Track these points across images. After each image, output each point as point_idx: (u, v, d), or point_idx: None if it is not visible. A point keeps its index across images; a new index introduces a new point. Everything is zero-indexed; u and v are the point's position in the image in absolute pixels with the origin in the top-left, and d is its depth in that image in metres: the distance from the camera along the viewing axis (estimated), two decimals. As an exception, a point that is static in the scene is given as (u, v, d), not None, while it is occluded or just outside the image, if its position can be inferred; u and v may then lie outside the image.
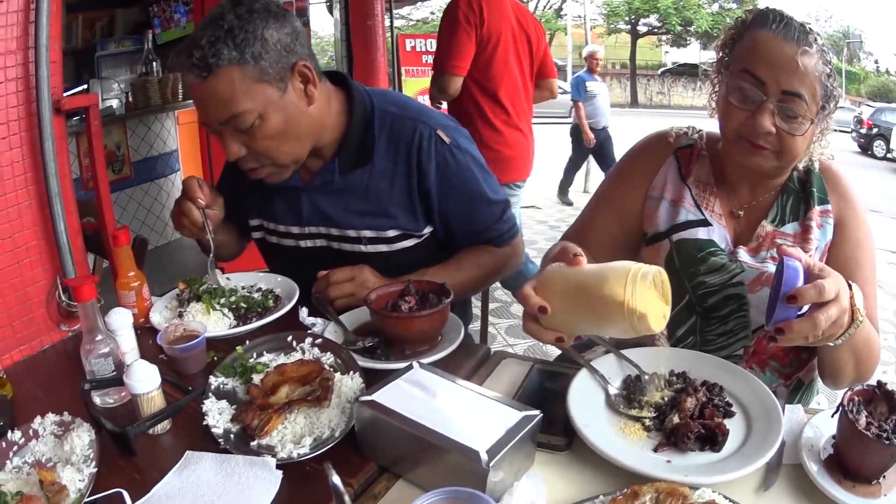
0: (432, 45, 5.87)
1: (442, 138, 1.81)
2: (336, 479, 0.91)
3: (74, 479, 1.14)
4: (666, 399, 1.26)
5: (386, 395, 1.16)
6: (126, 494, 1.12)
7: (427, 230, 1.88)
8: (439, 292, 1.55)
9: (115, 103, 6.29)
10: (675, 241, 1.59)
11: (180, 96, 6.00)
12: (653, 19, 38.97)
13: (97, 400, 1.39)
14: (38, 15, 1.72)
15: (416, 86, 5.56)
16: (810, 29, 1.40)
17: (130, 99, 6.07)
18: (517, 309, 4.79)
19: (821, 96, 1.40)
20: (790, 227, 1.54)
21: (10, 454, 1.24)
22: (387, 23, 6.18)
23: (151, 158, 6.01)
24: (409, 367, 1.27)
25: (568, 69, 27.31)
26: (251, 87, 1.57)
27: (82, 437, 1.24)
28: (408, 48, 5.68)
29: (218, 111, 1.58)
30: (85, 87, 6.47)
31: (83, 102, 2.03)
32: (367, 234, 1.85)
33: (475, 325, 2.85)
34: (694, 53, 43.84)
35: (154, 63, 6.06)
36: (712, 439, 1.15)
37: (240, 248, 2.12)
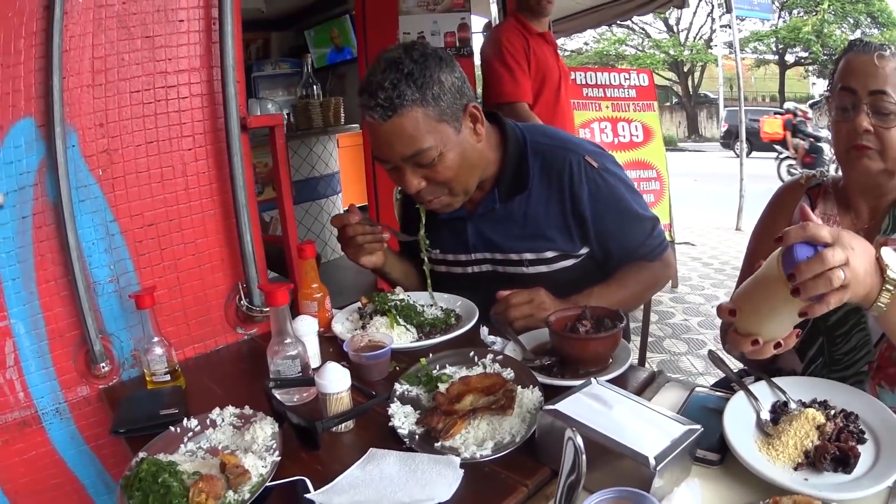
0: (592, 77, 5.95)
1: (591, 163, 1.91)
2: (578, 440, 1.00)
3: (257, 464, 1.24)
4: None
5: (567, 406, 1.23)
6: (308, 482, 1.21)
7: (583, 250, 1.96)
8: (613, 317, 1.60)
9: None
10: None
11: (342, 120, 6.17)
12: (799, 49, 37.58)
13: (280, 398, 1.48)
14: (222, 36, 1.86)
15: (578, 119, 5.61)
16: (887, 45, 1.54)
17: (292, 120, 6.24)
18: (669, 344, 4.86)
19: None
20: None
21: (185, 439, 1.36)
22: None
23: (313, 179, 6.17)
24: (588, 383, 1.33)
25: (720, 101, 26.49)
26: (433, 125, 1.71)
27: (265, 429, 1.34)
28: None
29: (403, 147, 1.72)
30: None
31: (269, 122, 2.19)
32: (528, 256, 1.94)
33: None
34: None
35: (315, 86, 6.19)
36: (845, 461, 1.20)
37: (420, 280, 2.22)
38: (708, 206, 8.90)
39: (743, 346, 1.25)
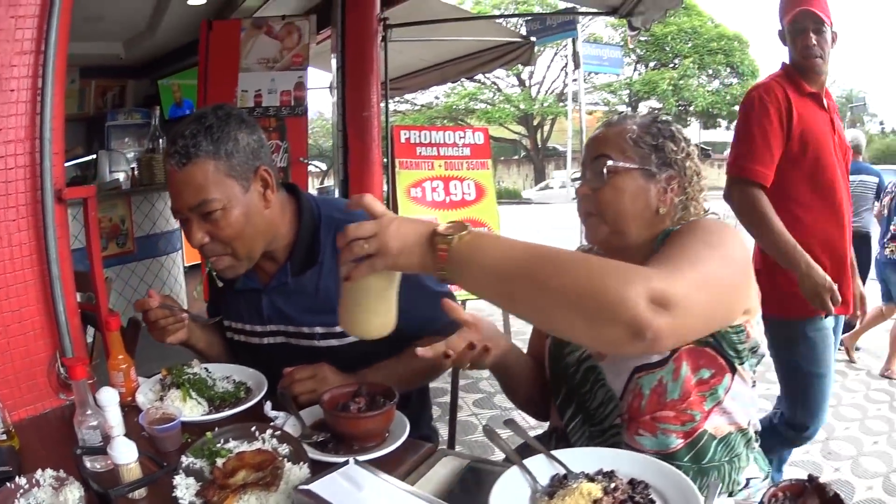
0: (426, 136, 5.93)
1: None
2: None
3: (67, 524, 1.35)
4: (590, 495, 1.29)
5: (320, 486, 1.29)
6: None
7: None
8: (386, 394, 1.68)
9: (121, 176, 6.47)
10: (548, 344, 1.81)
11: None
12: (653, 101, 39.27)
13: (88, 464, 1.58)
14: (42, 109, 1.92)
15: (409, 178, 5.74)
16: (630, 115, 1.70)
17: (136, 174, 6.23)
18: (500, 399, 4.99)
19: (635, 151, 1.61)
20: None
21: (18, 495, 1.43)
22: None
23: (154, 235, 6.12)
24: (345, 463, 1.39)
25: (568, 155, 27.57)
26: (221, 179, 1.79)
27: (74, 493, 1.41)
28: (402, 140, 5.85)
29: (191, 197, 1.79)
30: (94, 156, 6.74)
31: (82, 194, 2.24)
32: (319, 329, 2.00)
33: (446, 398, 2.97)
34: (694, 133, 44.37)
35: (160, 140, 6.20)
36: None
37: (225, 348, 2.27)
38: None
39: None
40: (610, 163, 1.60)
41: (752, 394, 1.63)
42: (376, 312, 1.42)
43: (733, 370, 1.55)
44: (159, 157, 5.98)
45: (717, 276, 1.28)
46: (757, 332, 1.56)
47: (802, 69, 2.90)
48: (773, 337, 2.90)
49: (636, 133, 1.63)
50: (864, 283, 6.63)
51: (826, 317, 2.81)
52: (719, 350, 1.53)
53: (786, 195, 2.84)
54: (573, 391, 1.71)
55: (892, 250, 5.76)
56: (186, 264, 6.64)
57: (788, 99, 2.83)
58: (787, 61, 2.98)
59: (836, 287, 2.67)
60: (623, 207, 1.60)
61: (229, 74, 5.18)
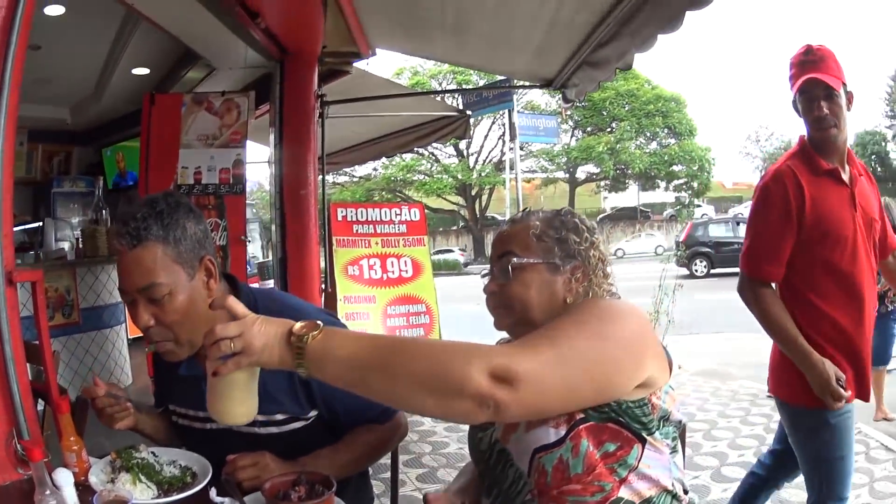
0: (363, 214, 6.01)
1: None
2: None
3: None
4: None
5: None
6: None
7: (312, 413, 2.05)
8: (324, 483, 1.73)
9: (66, 246, 6.50)
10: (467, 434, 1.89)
11: None
12: (591, 166, 39.83)
13: None
14: None
15: (346, 255, 5.76)
16: (531, 212, 1.78)
17: (80, 245, 6.17)
18: (443, 473, 4.99)
19: (539, 246, 1.68)
20: None
21: None
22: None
23: (99, 307, 6.10)
24: None
25: (507, 223, 27.76)
26: (169, 264, 1.86)
27: None
28: (339, 217, 5.88)
29: (139, 278, 1.85)
30: (41, 223, 6.77)
31: (31, 278, 2.28)
32: (259, 418, 1.99)
33: (387, 474, 2.96)
34: (633, 196, 45.23)
35: (104, 211, 6.14)
36: None
37: (172, 433, 2.29)
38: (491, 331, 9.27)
39: None
40: (515, 259, 1.67)
41: (671, 459, 1.63)
42: (242, 402, 1.53)
43: (642, 440, 1.56)
44: (102, 228, 5.95)
45: (582, 353, 1.40)
46: (666, 401, 1.58)
47: (818, 143, 2.70)
48: (795, 425, 2.81)
49: (539, 228, 1.70)
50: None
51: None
52: (623, 424, 1.53)
53: (803, 283, 2.71)
54: (490, 472, 1.75)
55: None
56: (130, 336, 6.60)
57: (800, 185, 2.63)
58: (805, 133, 2.77)
59: (843, 377, 2.58)
60: (529, 300, 1.67)
61: (171, 150, 5.19)
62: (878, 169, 48.79)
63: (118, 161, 7.72)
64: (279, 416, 2.04)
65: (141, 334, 2.01)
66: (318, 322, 1.41)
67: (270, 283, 5.66)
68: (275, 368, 1.42)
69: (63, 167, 7.91)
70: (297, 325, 1.42)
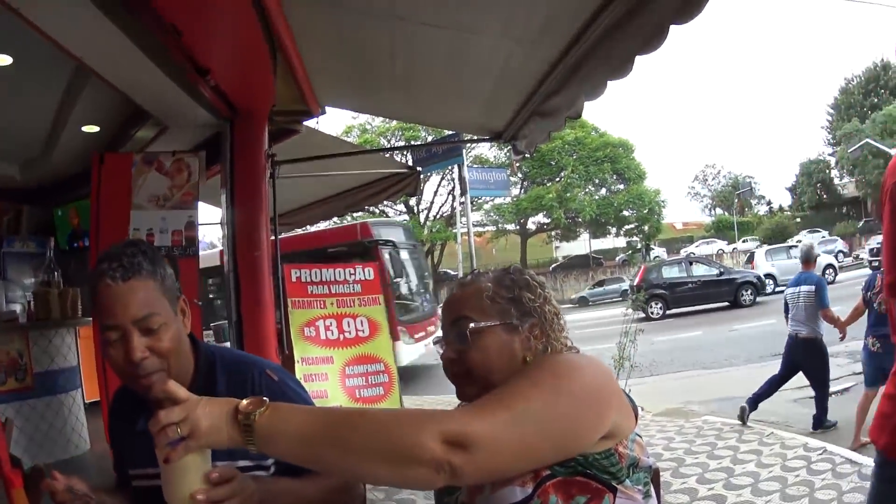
0: (317, 275, 5.99)
1: (271, 377, 2.08)
2: None
3: None
4: None
5: None
6: None
7: (270, 461, 2.01)
8: None
9: (18, 308, 6.36)
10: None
11: (79, 311, 6.03)
12: (541, 216, 40.16)
13: None
14: None
15: (302, 317, 5.71)
16: (478, 273, 1.76)
17: (32, 307, 6.09)
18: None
19: (493, 307, 1.65)
20: None
21: None
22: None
23: (53, 371, 6.00)
24: None
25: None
26: (160, 297, 1.90)
27: None
28: (293, 279, 5.83)
29: (136, 309, 1.85)
30: None
31: None
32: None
33: None
34: (584, 244, 45.53)
35: (56, 272, 6.11)
36: None
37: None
38: (445, 387, 9.21)
39: None
40: (472, 325, 1.64)
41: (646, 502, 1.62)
42: (198, 485, 1.49)
43: (613, 489, 1.55)
44: (54, 291, 5.90)
45: (536, 412, 1.40)
46: (634, 448, 1.57)
47: None
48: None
49: (492, 290, 1.68)
50: (823, 390, 6.93)
51: None
52: (591, 476, 1.52)
53: None
54: None
55: (872, 343, 6.15)
56: (87, 401, 6.46)
57: None
58: None
59: None
60: (490, 365, 1.64)
61: (122, 211, 5.06)
62: (825, 196, 50.26)
63: (71, 218, 7.57)
64: (242, 463, 1.98)
65: (98, 399, 1.97)
66: (264, 399, 1.43)
67: (227, 346, 5.58)
68: (224, 448, 1.43)
69: (13, 226, 7.72)
70: (244, 402, 1.43)
